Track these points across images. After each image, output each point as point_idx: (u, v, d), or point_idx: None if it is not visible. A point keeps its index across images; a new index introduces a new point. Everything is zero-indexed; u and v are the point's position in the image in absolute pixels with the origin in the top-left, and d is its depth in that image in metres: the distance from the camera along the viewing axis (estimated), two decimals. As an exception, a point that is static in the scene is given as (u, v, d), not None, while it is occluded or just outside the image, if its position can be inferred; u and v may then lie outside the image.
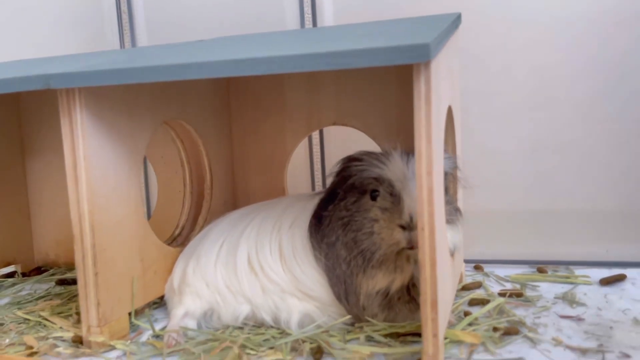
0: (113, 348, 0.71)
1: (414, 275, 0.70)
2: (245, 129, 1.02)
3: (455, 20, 0.80)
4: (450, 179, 0.79)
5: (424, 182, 0.57)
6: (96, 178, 0.71)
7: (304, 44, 0.70)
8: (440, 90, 0.62)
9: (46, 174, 1.09)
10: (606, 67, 0.92)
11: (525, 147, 0.97)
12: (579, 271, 0.90)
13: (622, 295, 0.80)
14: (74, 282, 1.01)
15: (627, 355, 0.62)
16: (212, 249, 0.80)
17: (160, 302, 0.85)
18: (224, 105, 1.02)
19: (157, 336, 0.75)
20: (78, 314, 0.84)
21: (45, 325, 0.81)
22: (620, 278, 0.85)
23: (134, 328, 0.77)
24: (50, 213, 1.10)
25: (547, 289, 0.84)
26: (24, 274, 1.08)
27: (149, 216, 1.17)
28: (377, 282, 0.70)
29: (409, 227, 0.67)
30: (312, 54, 0.56)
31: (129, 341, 0.73)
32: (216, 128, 0.99)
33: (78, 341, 0.73)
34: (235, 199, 1.03)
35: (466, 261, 0.96)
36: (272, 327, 0.74)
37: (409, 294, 0.70)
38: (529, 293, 0.83)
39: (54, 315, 0.84)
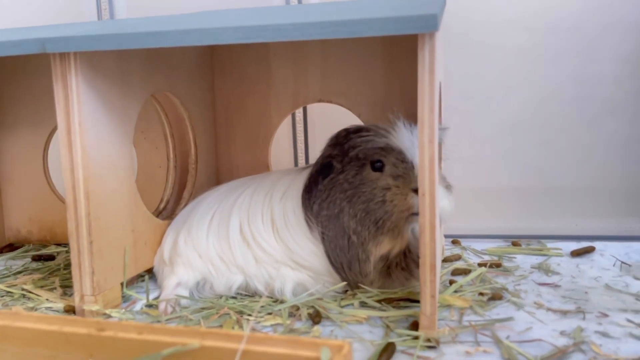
0: (108, 317, 0.71)
1: (410, 242, 0.73)
2: (229, 104, 1.02)
3: (444, 0, 0.83)
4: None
5: (426, 150, 0.60)
6: (90, 145, 0.70)
7: (302, 15, 0.71)
8: (438, 64, 0.64)
9: (18, 150, 1.06)
10: (577, 50, 0.97)
11: (500, 126, 1.01)
12: (550, 244, 0.96)
13: (592, 265, 0.85)
14: (50, 258, 0.99)
15: (605, 315, 0.67)
16: (203, 220, 0.80)
17: (148, 275, 0.85)
18: (209, 80, 1.01)
19: (150, 305, 0.75)
20: (62, 287, 0.83)
21: (30, 298, 0.79)
22: (590, 250, 0.91)
23: (125, 299, 0.77)
24: (22, 189, 1.07)
25: (523, 260, 0.89)
26: (-5, 251, 1.05)
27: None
28: (382, 247, 0.72)
29: None
30: (322, 22, 0.57)
31: (123, 310, 0.73)
32: (201, 102, 0.99)
33: (70, 311, 0.72)
34: (218, 175, 1.04)
35: (444, 236, 1.00)
36: (265, 296, 0.76)
37: (405, 261, 0.73)
38: (506, 264, 0.87)
39: (37, 289, 0.82)
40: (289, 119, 1.06)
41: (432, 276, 0.61)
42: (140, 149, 1.04)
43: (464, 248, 0.97)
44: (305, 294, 0.73)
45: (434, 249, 0.61)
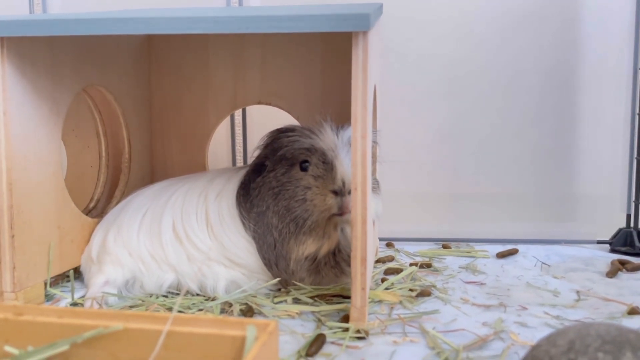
0: (29, 314, 0.68)
1: (339, 241, 0.74)
2: (166, 103, 1.00)
3: (380, 8, 0.86)
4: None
5: (358, 145, 0.61)
6: (16, 135, 0.67)
7: (240, 13, 0.72)
8: (372, 65, 0.67)
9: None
10: (505, 64, 1.03)
11: (432, 133, 1.05)
12: (478, 247, 1.00)
13: (515, 266, 0.90)
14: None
15: (525, 308, 0.71)
16: (134, 217, 0.79)
17: (74, 273, 0.82)
18: (145, 77, 1.00)
19: (75, 304, 0.72)
20: (-20, 285, 0.79)
21: (-57, 297, 0.74)
22: (513, 252, 0.96)
23: (48, 297, 0.74)
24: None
25: (452, 261, 0.92)
26: None
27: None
28: (306, 247, 0.73)
29: (341, 192, 0.71)
30: (260, 16, 0.58)
31: (46, 308, 0.70)
32: (136, 99, 0.97)
33: (-12, 308, 0.68)
34: (153, 174, 1.02)
35: (379, 239, 1.02)
36: (197, 294, 0.75)
37: (335, 259, 0.74)
38: (436, 264, 0.90)
39: (-49, 288, 0.77)
40: (227, 120, 1.06)
41: (362, 269, 0.62)
42: (71, 148, 1.00)
43: (397, 250, 0.99)
44: (238, 290, 0.73)
45: (365, 243, 0.62)
